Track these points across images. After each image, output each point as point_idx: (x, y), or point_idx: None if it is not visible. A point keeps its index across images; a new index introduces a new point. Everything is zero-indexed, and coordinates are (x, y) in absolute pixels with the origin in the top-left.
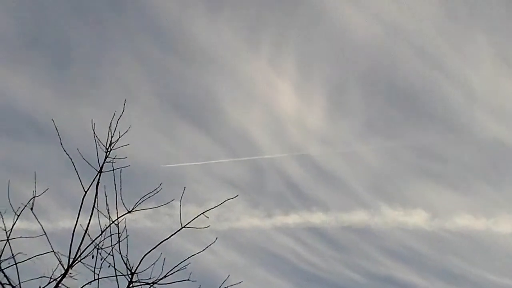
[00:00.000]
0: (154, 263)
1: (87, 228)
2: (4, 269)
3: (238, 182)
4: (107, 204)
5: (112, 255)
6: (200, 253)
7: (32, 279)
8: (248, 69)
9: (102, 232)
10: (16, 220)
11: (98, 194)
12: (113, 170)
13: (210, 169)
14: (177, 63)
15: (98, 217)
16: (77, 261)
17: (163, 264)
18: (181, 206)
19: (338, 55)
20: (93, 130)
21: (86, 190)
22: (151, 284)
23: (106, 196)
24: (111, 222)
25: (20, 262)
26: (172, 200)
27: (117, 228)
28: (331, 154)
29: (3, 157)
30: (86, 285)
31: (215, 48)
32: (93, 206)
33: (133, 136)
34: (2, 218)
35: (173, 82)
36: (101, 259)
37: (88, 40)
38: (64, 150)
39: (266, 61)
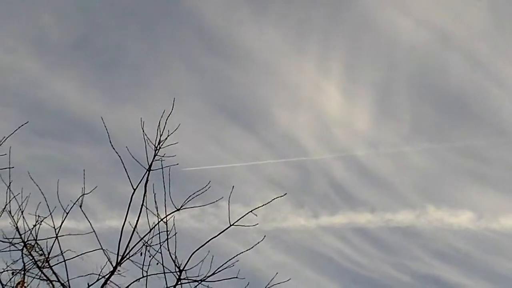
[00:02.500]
0: (202, 261)
1: (135, 226)
2: (53, 266)
3: (284, 183)
4: (155, 202)
5: (161, 253)
6: (247, 251)
7: (81, 276)
8: (295, 72)
9: (151, 229)
10: (65, 217)
11: (146, 192)
12: (162, 168)
13: (257, 170)
14: (224, 67)
15: (147, 215)
16: (125, 259)
17: (211, 263)
18: (228, 207)
19: (385, 58)
20: (142, 128)
21: (135, 188)
22: (199, 282)
23: (154, 194)
24: (159, 220)
25: (68, 259)
26: (221, 198)
27: (165, 226)
28: (377, 155)
29: (52, 158)
30: (135, 282)
31: (262, 51)
32: (142, 204)
33: (181, 137)
34: (52, 217)
35: (220, 85)
36: (150, 257)
37: (136, 43)
38: (113, 148)
39: (313, 64)
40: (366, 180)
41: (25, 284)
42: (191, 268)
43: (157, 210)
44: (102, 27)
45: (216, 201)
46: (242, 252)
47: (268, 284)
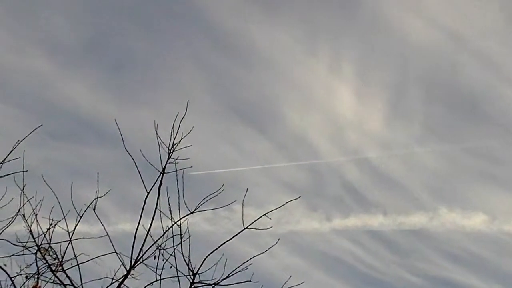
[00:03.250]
0: (215, 264)
1: (149, 229)
2: (66, 269)
3: (297, 186)
4: (169, 205)
5: (174, 256)
6: (261, 254)
7: (95, 279)
8: (307, 74)
9: (164, 233)
10: (79, 221)
11: (160, 195)
12: (176, 171)
13: (269, 172)
14: (236, 68)
15: (160, 218)
16: (139, 262)
17: (225, 266)
18: (242, 210)
19: (397, 59)
20: (156, 131)
21: (148, 191)
22: (213, 285)
23: (168, 197)
24: (173, 223)
25: (82, 263)
26: (234, 201)
27: (179, 229)
28: (389, 157)
29: (65, 161)
30: (148, 286)
31: (274, 53)
32: (155, 207)
33: (193, 140)
34: (65, 221)
35: (232, 87)
36: (163, 260)
37: (147, 45)
38: (127, 151)
39: (325, 66)
40: (379, 182)
41: None
42: (204, 272)
43: (170, 213)
44: (114, 29)
45: (230, 204)
46: (255, 256)
47: (282, 287)
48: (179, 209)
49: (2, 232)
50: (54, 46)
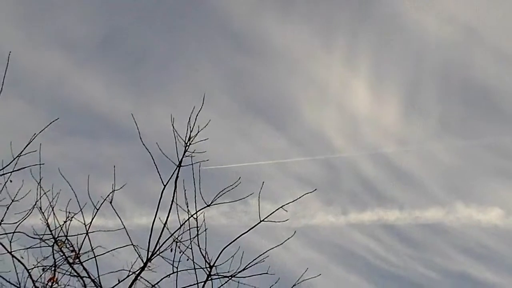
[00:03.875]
0: (232, 257)
1: (166, 222)
2: (83, 262)
3: (313, 180)
4: (186, 198)
5: (191, 249)
6: (277, 247)
7: (111, 272)
8: (323, 69)
9: (181, 225)
10: (96, 214)
11: (177, 188)
12: (192, 164)
13: (285, 167)
14: (252, 64)
15: (177, 211)
16: (156, 255)
17: (241, 259)
18: (258, 203)
19: (413, 55)
20: (172, 124)
21: (165, 184)
22: (230, 277)
23: (185, 190)
24: (189, 216)
25: (99, 255)
26: (251, 194)
27: (195, 222)
28: (405, 152)
29: (81, 157)
30: (165, 278)
31: (289, 48)
32: (172, 200)
33: (209, 135)
34: (82, 213)
35: (248, 82)
36: (180, 253)
37: (162, 41)
38: (143, 143)
39: (340, 61)
40: (395, 177)
41: (56, 281)
42: (221, 264)
43: (187, 206)
44: (129, 26)
45: (247, 196)
46: (272, 248)
47: (298, 280)
48: (195, 203)
49: (19, 224)
50: (70, 43)
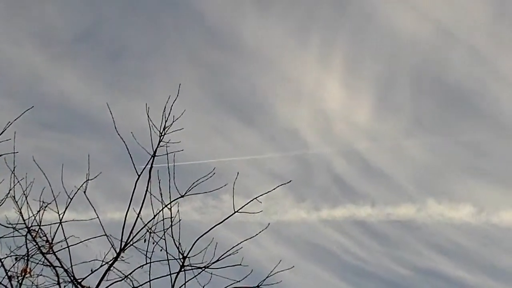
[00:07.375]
0: (205, 249)
1: (139, 212)
2: (56, 252)
3: (286, 176)
4: (159, 188)
5: (164, 239)
6: (250, 239)
7: (84, 262)
8: (297, 66)
9: (154, 216)
10: (69, 203)
11: (151, 178)
12: (167, 154)
13: (258, 163)
14: (226, 60)
15: (151, 202)
16: (129, 245)
17: (214, 251)
18: (233, 195)
19: (387, 52)
20: (147, 113)
21: (139, 174)
22: (203, 269)
23: (159, 181)
24: (163, 206)
25: (72, 245)
26: (225, 185)
27: (169, 213)
28: (378, 149)
29: (55, 150)
30: (138, 269)
31: (263, 44)
32: (146, 190)
33: (182, 131)
34: (56, 203)
35: (222, 78)
36: (153, 244)
37: (139, 36)
38: (118, 134)
39: (314, 58)
40: (367, 173)
41: (29, 271)
42: (194, 256)
43: (161, 196)
44: (107, 20)
45: (221, 187)
46: (245, 240)
47: (270, 273)
48: (170, 193)
49: None
50: (47, 36)
